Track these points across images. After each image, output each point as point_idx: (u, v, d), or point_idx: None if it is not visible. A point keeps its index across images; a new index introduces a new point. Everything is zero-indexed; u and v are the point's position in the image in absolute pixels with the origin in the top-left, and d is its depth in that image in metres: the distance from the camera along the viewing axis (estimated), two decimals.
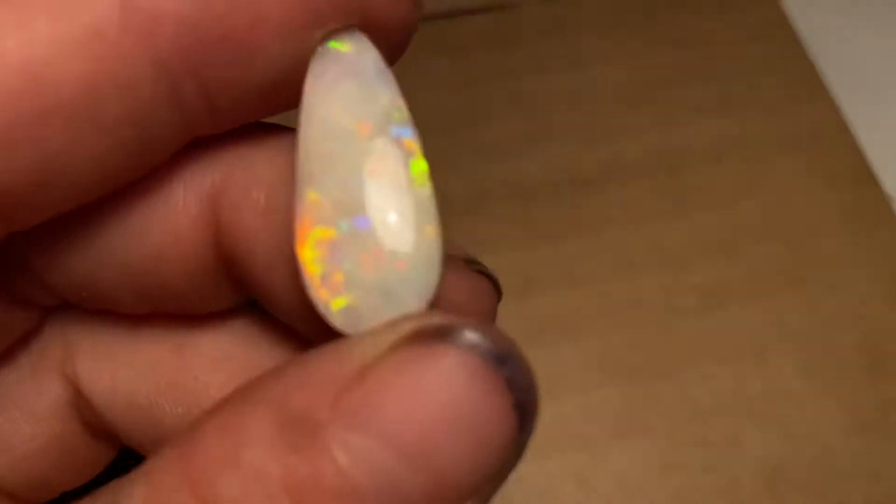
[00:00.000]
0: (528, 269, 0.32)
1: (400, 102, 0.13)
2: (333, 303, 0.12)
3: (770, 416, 0.29)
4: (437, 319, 0.12)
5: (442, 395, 0.11)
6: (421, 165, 0.13)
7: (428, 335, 0.11)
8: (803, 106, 0.36)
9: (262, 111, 0.14)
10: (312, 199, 0.12)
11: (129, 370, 0.17)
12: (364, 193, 0.12)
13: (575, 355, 0.30)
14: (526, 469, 0.28)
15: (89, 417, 0.17)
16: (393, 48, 0.13)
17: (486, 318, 0.15)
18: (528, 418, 0.12)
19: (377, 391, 0.11)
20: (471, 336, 0.11)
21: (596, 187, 0.33)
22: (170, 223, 0.14)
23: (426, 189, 0.12)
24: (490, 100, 0.35)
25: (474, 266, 0.15)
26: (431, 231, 0.12)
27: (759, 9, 0.38)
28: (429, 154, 0.38)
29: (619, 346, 0.30)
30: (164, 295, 0.15)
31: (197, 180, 0.14)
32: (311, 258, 0.12)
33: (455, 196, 0.33)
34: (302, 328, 0.15)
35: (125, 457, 0.18)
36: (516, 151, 0.34)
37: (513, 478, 0.29)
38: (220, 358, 0.16)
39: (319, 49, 0.13)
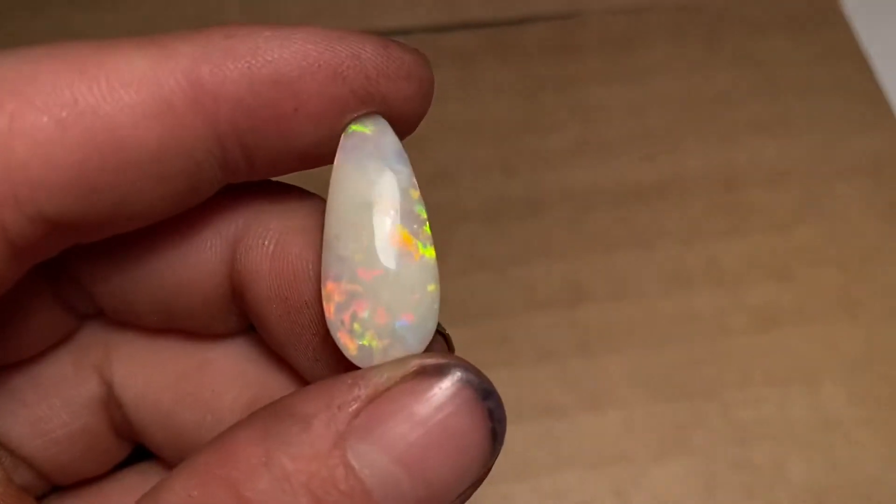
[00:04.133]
0: (579, 279, 0.31)
1: (413, 179, 0.16)
2: (352, 342, 0.15)
3: (817, 443, 0.29)
4: (437, 358, 0.15)
5: (439, 418, 0.14)
6: (427, 231, 0.16)
7: (430, 370, 0.14)
8: (868, 131, 0.35)
9: (292, 170, 0.16)
10: (338, 257, 0.15)
11: (158, 378, 0.19)
12: (381, 256, 0.15)
13: (621, 368, 0.30)
14: (565, 480, 0.28)
15: (116, 415, 0.20)
16: (404, 130, 0.16)
17: None
18: (498, 443, 0.15)
19: (388, 412, 0.14)
20: (464, 373, 0.14)
21: (652, 201, 0.33)
22: (198, 259, 0.17)
23: (431, 253, 0.16)
24: (551, 108, 0.35)
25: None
26: (433, 289, 0.15)
27: (828, 30, 0.37)
28: (487, 159, 0.38)
29: (666, 362, 0.30)
30: (181, 315, 0.18)
31: (224, 226, 0.17)
32: (334, 306, 0.15)
33: (510, 202, 0.33)
34: (286, 357, 0.18)
35: (135, 458, 0.21)
36: (574, 160, 0.34)
37: (553, 491, 0.29)
38: (234, 375, 0.19)
39: (348, 129, 0.16)
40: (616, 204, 0.33)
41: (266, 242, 0.17)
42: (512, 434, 0.28)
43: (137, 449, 0.21)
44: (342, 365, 0.16)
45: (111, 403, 0.20)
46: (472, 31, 0.37)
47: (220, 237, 0.17)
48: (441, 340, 0.18)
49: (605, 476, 0.28)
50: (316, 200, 0.18)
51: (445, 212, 0.33)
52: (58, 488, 0.20)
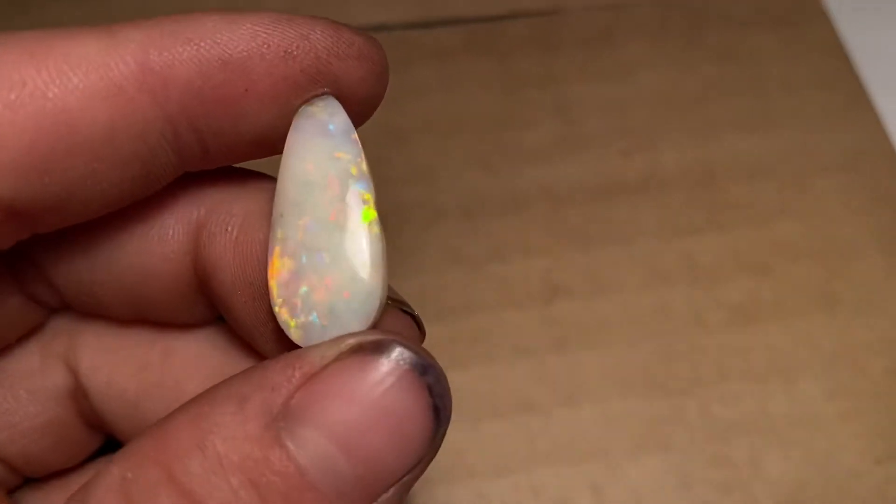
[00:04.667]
0: (556, 275, 0.31)
1: (360, 159, 0.16)
2: (291, 320, 0.16)
3: (793, 438, 0.29)
4: (374, 336, 0.15)
5: (375, 396, 0.14)
6: (372, 214, 0.15)
7: (366, 348, 0.14)
8: (848, 125, 0.35)
9: (248, 156, 0.16)
10: (281, 235, 0.16)
11: (123, 369, 0.19)
12: (323, 235, 0.15)
13: (597, 364, 0.30)
14: (541, 476, 0.28)
15: (84, 406, 0.20)
16: (361, 112, 0.16)
17: None
18: (443, 419, 0.15)
19: (323, 391, 0.14)
20: (400, 349, 0.14)
21: (630, 197, 0.33)
22: (161, 247, 0.17)
23: (375, 234, 0.15)
24: (531, 104, 0.35)
25: (402, 307, 0.18)
26: (374, 269, 0.15)
27: (809, 24, 0.37)
28: (466, 156, 0.37)
29: (643, 358, 0.30)
30: (148, 306, 0.18)
31: (186, 213, 0.17)
32: (276, 283, 0.16)
33: (489, 198, 0.33)
34: (254, 343, 0.18)
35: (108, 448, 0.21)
36: (553, 156, 0.34)
37: (529, 487, 0.29)
38: (198, 364, 0.19)
39: (300, 110, 0.16)
40: (594, 200, 0.33)
41: (230, 228, 0.17)
42: (488, 430, 0.28)
43: (111, 440, 0.21)
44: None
45: (78, 394, 0.20)
46: (452, 28, 0.37)
47: (183, 224, 0.17)
48: (411, 322, 0.18)
49: (582, 472, 0.28)
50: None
51: (424, 208, 0.32)
52: (31, 481, 0.20)
